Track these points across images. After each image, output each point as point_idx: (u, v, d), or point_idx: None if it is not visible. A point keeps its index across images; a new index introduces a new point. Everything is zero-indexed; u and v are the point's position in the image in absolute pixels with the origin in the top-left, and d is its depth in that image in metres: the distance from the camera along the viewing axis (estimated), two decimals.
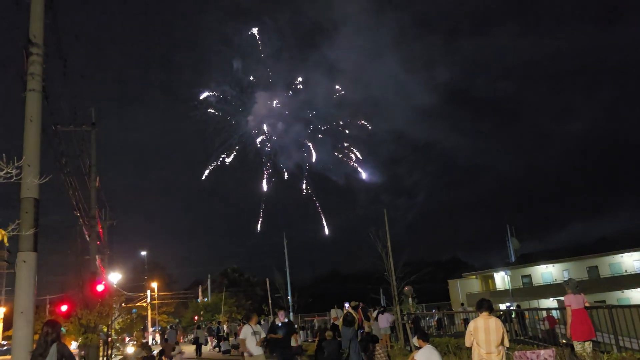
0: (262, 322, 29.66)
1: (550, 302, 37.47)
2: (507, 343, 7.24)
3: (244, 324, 30.78)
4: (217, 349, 29.14)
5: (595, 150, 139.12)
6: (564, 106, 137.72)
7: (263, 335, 10.76)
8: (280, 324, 11.59)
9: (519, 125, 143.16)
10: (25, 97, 9.54)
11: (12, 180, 3.98)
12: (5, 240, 3.67)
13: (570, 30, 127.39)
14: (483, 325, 7.14)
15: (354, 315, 15.73)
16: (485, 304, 7.35)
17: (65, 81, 16.01)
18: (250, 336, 10.54)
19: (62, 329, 7.41)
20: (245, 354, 10.64)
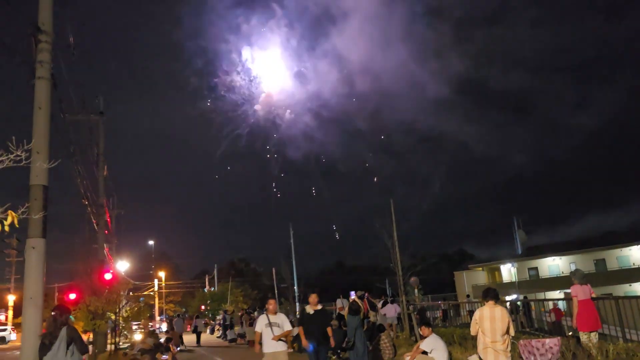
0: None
1: (557, 295, 37.38)
2: (512, 332, 7.26)
3: (249, 313, 30.97)
4: (222, 337, 29.44)
5: (609, 143, 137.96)
6: (578, 98, 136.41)
7: (287, 327, 8.51)
8: (312, 312, 9.31)
9: (532, 116, 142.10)
10: (34, 85, 9.61)
11: (22, 164, 4.02)
12: (16, 221, 3.71)
13: (586, 20, 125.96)
14: (489, 314, 7.15)
15: (360, 304, 15.81)
16: (491, 293, 7.36)
17: (73, 70, 16.08)
18: (265, 329, 8.36)
19: (70, 316, 7.51)
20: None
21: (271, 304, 8.73)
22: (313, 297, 9.48)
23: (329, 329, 9.14)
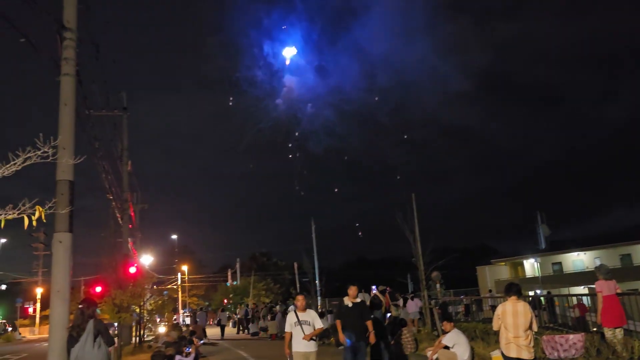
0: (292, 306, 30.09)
1: (581, 290, 36.87)
2: (535, 327, 7.20)
3: (271, 307, 31.11)
4: (245, 331, 29.71)
5: (636, 136, 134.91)
6: (604, 90, 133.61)
7: (318, 325, 7.90)
8: (351, 305, 8.61)
9: (556, 110, 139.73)
10: (60, 82, 9.79)
11: (49, 160, 4.11)
12: (43, 216, 3.81)
13: (611, 11, 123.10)
14: (511, 309, 7.10)
15: (381, 298, 15.82)
16: (514, 288, 7.30)
17: (97, 66, 16.33)
18: (295, 327, 7.79)
19: (96, 309, 7.67)
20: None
21: (299, 300, 8.10)
22: (353, 289, 8.70)
23: (369, 323, 8.50)
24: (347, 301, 8.67)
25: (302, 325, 7.72)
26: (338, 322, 8.64)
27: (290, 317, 7.93)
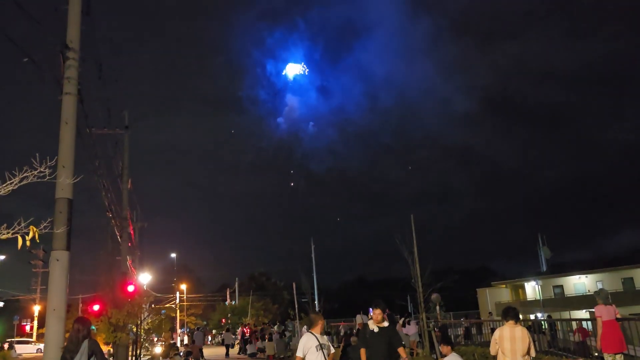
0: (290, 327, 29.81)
1: (583, 314, 36.58)
2: (533, 353, 7.12)
3: (262, 329, 30.82)
4: (243, 352, 29.43)
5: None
6: (609, 113, 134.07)
7: (332, 349, 7.13)
8: (377, 330, 7.59)
9: (561, 131, 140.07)
10: (62, 101, 9.85)
11: (46, 179, 4.12)
12: (37, 236, 3.81)
13: (616, 33, 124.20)
14: (509, 334, 7.04)
15: None
16: (511, 313, 7.24)
17: (100, 85, 16.45)
18: (317, 352, 6.86)
19: (92, 327, 7.59)
20: None
21: (320, 323, 7.15)
22: (377, 312, 7.60)
23: (401, 350, 7.57)
24: (372, 325, 7.63)
25: (323, 350, 6.89)
26: (363, 351, 7.62)
27: (309, 340, 6.93)
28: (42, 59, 9.63)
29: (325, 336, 7.30)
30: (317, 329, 7.07)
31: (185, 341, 34.11)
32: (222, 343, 28.67)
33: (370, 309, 19.89)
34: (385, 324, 7.67)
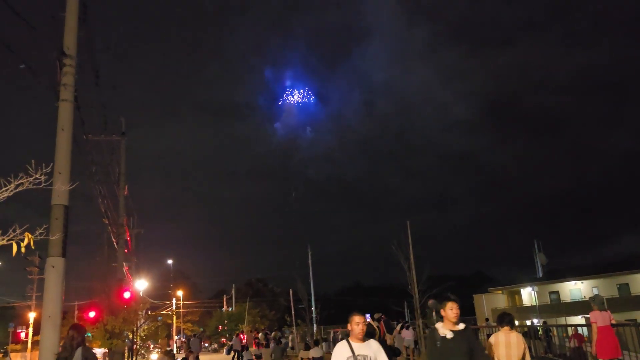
0: (287, 333, 29.72)
1: (579, 320, 36.61)
2: (528, 359, 7.13)
3: (265, 334, 30.74)
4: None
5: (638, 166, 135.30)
6: (607, 120, 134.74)
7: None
8: (451, 335, 5.63)
9: (559, 137, 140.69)
10: (58, 107, 9.86)
11: (42, 186, 4.14)
12: (32, 243, 3.82)
13: (615, 41, 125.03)
14: (504, 340, 7.04)
15: (375, 327, 15.68)
16: (506, 318, 7.25)
17: (96, 91, 16.47)
18: None
19: (87, 333, 7.60)
20: None
21: (359, 325, 5.01)
22: (454, 308, 5.73)
23: None
24: (444, 330, 5.71)
25: None
26: None
27: (342, 351, 4.99)
28: (38, 66, 9.66)
29: (372, 343, 5.11)
30: (353, 335, 5.05)
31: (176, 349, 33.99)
32: (230, 349, 28.50)
33: (367, 315, 19.82)
34: (462, 326, 5.77)
